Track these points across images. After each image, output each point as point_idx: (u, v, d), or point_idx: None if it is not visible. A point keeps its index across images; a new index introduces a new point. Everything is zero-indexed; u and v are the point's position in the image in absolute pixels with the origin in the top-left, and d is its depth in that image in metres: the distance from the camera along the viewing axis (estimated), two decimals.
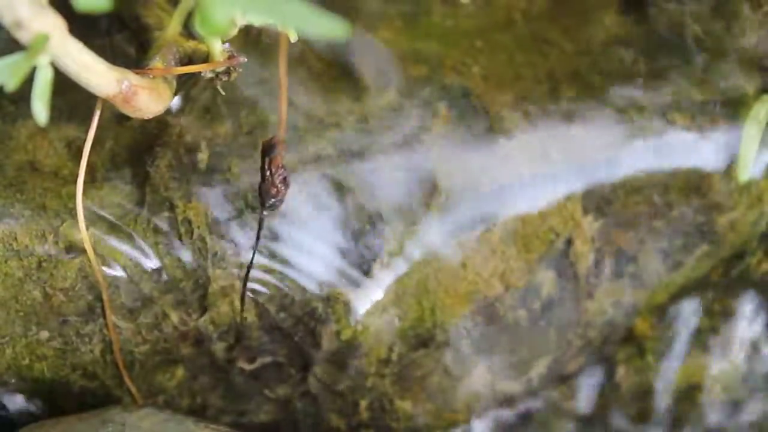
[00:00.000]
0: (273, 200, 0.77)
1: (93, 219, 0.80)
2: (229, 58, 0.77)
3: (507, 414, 0.92)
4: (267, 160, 0.76)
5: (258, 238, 0.80)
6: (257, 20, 0.78)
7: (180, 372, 0.85)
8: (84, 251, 0.78)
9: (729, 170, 0.88)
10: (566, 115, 0.86)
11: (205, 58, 0.78)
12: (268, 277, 0.82)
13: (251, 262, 0.81)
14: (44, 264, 0.80)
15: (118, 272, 0.80)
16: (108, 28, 0.85)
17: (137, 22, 0.82)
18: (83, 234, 0.77)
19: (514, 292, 0.86)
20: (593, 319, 0.90)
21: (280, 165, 0.76)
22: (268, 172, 0.76)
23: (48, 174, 0.81)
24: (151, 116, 0.75)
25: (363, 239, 0.83)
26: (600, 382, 0.94)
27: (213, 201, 0.81)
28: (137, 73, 0.73)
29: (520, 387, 0.91)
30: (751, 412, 0.96)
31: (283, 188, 0.77)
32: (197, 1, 0.64)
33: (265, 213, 0.79)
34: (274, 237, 0.82)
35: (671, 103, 0.87)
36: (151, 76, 0.74)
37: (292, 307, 0.82)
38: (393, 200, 0.83)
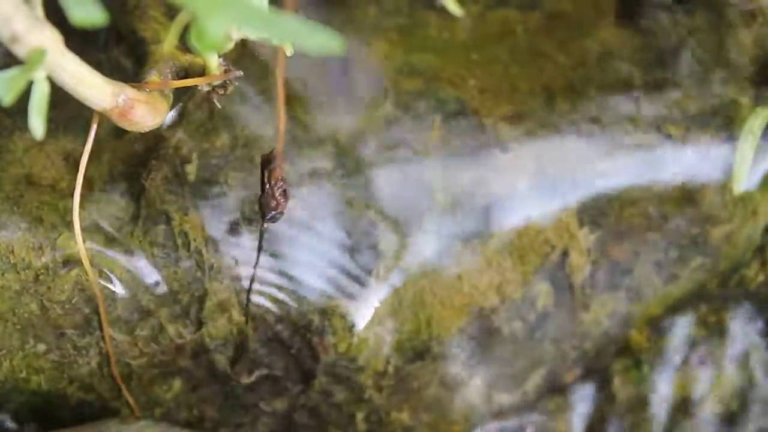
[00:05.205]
0: (273, 213, 0.78)
1: (90, 232, 0.80)
2: (226, 71, 0.77)
3: (503, 425, 0.92)
4: (266, 173, 0.76)
5: (259, 251, 0.80)
6: (253, 34, 0.79)
7: (177, 384, 0.85)
8: (81, 264, 0.79)
9: (724, 182, 0.88)
10: (562, 128, 0.86)
11: (202, 72, 0.78)
12: (265, 290, 0.82)
13: (253, 276, 0.81)
14: (41, 277, 0.80)
15: (115, 285, 0.80)
16: (105, 42, 0.85)
17: (134, 35, 0.82)
18: (80, 247, 0.77)
19: (510, 304, 0.87)
20: (589, 331, 0.90)
21: (280, 178, 0.76)
22: (267, 185, 0.77)
23: (45, 187, 0.81)
24: (147, 130, 0.75)
25: (359, 252, 0.83)
26: (595, 393, 0.94)
27: (210, 214, 0.81)
28: (134, 87, 0.73)
29: (516, 398, 0.91)
30: (747, 425, 0.96)
31: (283, 201, 0.77)
32: (193, 15, 0.64)
33: (265, 226, 0.79)
34: (272, 249, 0.82)
35: (666, 116, 0.88)
36: (147, 90, 0.75)
37: (289, 319, 0.83)
38: (389, 213, 0.83)
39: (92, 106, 0.71)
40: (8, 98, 0.63)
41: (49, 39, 0.64)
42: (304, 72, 0.86)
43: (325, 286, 0.82)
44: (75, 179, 0.77)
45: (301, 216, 0.82)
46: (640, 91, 0.88)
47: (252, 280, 0.81)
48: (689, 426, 0.95)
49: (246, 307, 0.82)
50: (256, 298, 0.82)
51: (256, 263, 0.81)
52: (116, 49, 0.84)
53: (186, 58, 0.78)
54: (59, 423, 0.86)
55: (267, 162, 0.76)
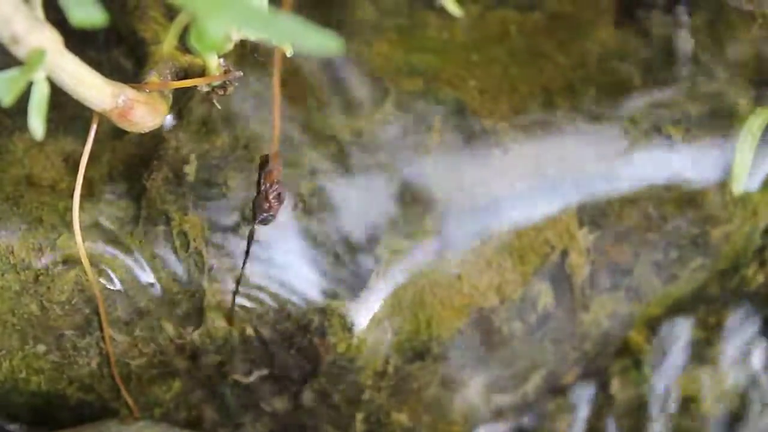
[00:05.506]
0: (264, 215, 0.77)
1: (90, 232, 0.80)
2: (225, 72, 0.77)
3: (503, 426, 0.92)
4: (262, 174, 0.76)
5: (248, 251, 0.80)
6: (252, 35, 0.79)
7: (176, 385, 0.85)
8: (81, 265, 0.79)
9: (724, 183, 0.88)
10: (561, 128, 0.86)
11: (201, 73, 0.78)
12: (265, 290, 0.82)
13: (241, 275, 0.81)
14: (41, 277, 0.80)
15: (114, 285, 0.81)
16: (105, 43, 0.85)
17: (134, 36, 0.82)
18: (80, 247, 0.77)
19: (510, 305, 0.87)
20: (589, 332, 0.90)
21: (276, 180, 0.76)
22: (263, 187, 0.77)
23: (45, 188, 0.81)
24: (147, 130, 0.75)
25: (359, 252, 0.83)
26: (595, 394, 0.94)
27: (209, 214, 0.81)
28: (133, 88, 0.73)
29: (515, 399, 0.91)
30: (747, 425, 0.96)
31: (276, 203, 0.77)
32: (193, 16, 0.64)
33: (256, 226, 0.79)
34: (270, 249, 0.82)
35: (666, 116, 0.88)
36: (147, 91, 0.75)
37: (288, 320, 0.83)
38: (389, 213, 0.83)
39: (92, 106, 0.71)
40: (8, 99, 0.63)
41: (49, 40, 0.64)
42: (303, 72, 0.86)
43: (325, 286, 0.82)
44: (75, 180, 0.77)
45: (301, 216, 0.82)
46: (640, 91, 0.88)
47: (238, 281, 0.81)
48: (689, 427, 0.95)
49: (231, 307, 0.82)
50: (255, 299, 0.82)
51: (244, 264, 0.80)
52: (116, 49, 0.84)
53: (186, 59, 0.78)
54: (59, 424, 0.86)
55: (264, 164, 0.76)
